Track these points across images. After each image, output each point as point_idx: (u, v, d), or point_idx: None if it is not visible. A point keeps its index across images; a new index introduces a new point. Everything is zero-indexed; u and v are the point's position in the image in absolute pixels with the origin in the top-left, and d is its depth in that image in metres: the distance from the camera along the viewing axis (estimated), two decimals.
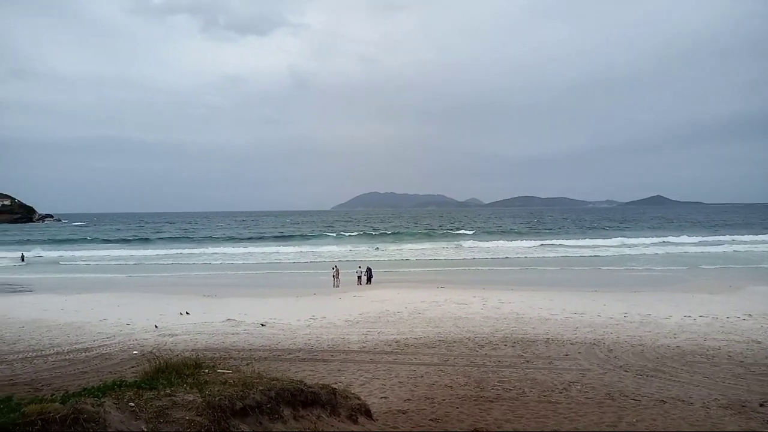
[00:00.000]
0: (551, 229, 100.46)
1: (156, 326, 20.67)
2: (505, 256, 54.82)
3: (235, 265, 50.17)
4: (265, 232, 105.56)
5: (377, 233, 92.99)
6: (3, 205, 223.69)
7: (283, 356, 15.89)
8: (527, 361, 14.84)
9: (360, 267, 36.33)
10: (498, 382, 12.91)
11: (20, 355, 16.51)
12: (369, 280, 34.58)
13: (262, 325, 20.48)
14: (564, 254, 55.18)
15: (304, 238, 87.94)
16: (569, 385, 12.53)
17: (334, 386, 9.22)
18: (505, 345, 16.81)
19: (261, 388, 7.64)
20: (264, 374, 9.32)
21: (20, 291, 33.48)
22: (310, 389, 8.35)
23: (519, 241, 70.39)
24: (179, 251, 64.98)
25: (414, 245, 66.86)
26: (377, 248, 64.63)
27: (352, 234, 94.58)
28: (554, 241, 68.38)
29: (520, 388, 12.36)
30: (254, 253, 60.75)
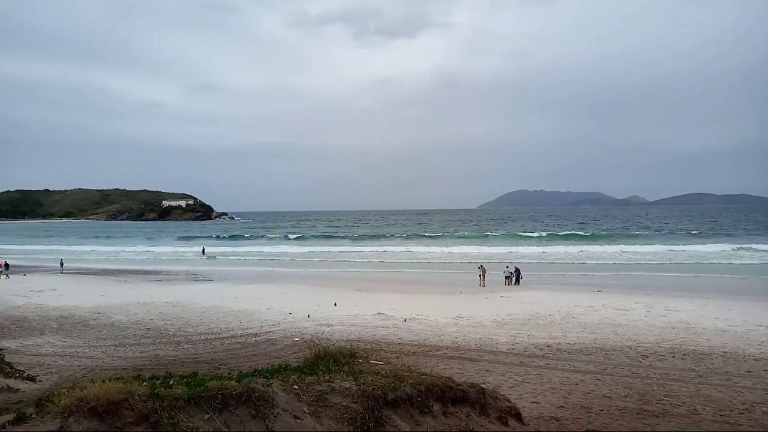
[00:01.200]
0: (733, 231, 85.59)
1: (308, 315, 22.27)
2: (671, 261, 49.57)
3: (385, 262, 51.97)
4: (414, 231, 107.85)
5: (524, 233, 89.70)
6: (188, 204, 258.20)
7: (430, 352, 16.09)
8: (699, 376, 13.29)
9: (507, 267, 35.47)
10: (664, 396, 11.74)
11: (202, 337, 18.78)
12: (517, 280, 33.63)
13: (405, 320, 20.98)
14: (750, 261, 47.96)
15: (447, 237, 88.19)
16: (752, 406, 10.97)
17: (483, 386, 9.09)
18: (673, 356, 15.23)
19: (411, 381, 7.80)
20: (413, 368, 9.52)
21: (202, 280, 38.18)
22: (459, 387, 8.33)
23: (694, 244, 61.42)
24: (334, 248, 69.19)
25: (565, 246, 63.36)
26: (522, 248, 62.54)
27: (496, 233, 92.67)
28: (736, 246, 58.68)
29: (690, 405, 11.11)
30: (403, 252, 62.46)
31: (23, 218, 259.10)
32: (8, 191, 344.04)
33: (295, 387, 6.72)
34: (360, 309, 23.46)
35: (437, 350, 16.34)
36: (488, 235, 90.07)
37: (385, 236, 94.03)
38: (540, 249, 61.07)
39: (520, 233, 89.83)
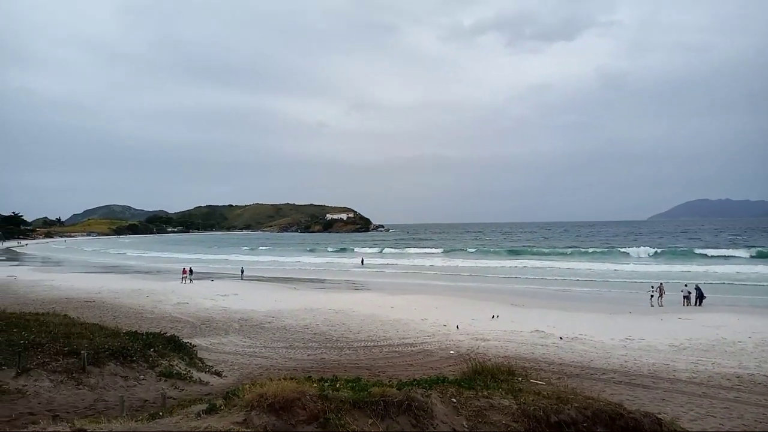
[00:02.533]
0: None
1: (457, 327, 22.30)
2: None
3: (541, 278, 49.81)
4: (570, 244, 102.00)
5: (700, 249, 79.39)
6: (348, 217, 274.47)
7: (595, 375, 14.99)
8: None
9: (686, 285, 31.79)
10: None
11: (362, 344, 19.64)
12: (699, 301, 29.94)
13: (565, 339, 19.84)
14: None
15: (610, 252, 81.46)
16: None
17: (659, 416, 8.22)
18: None
19: (576, 404, 7.33)
20: (578, 391, 8.95)
21: (361, 289, 40.07)
22: (631, 415, 7.62)
23: None
24: (485, 262, 68.15)
25: (758, 265, 54.91)
26: (705, 267, 55.45)
27: (668, 248, 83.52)
28: None
29: None
30: (560, 267, 59.32)
31: (211, 230, 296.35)
32: (200, 206, 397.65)
33: (453, 400, 6.70)
34: (516, 325, 22.73)
35: (603, 374, 15.17)
36: (661, 251, 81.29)
37: (537, 250, 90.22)
38: (729, 268, 53.60)
39: (696, 249, 79.91)
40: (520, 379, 8.58)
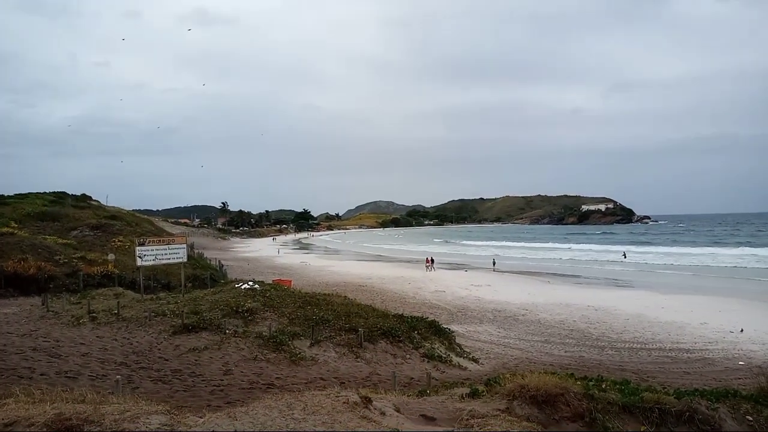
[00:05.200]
0: None
1: (741, 330, 19.52)
2: None
3: None
4: None
5: None
6: (607, 208, 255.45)
7: None
8: None
9: None
10: None
11: (626, 345, 18.09)
12: None
13: None
14: None
15: None
16: None
17: None
18: None
19: None
20: None
21: (623, 286, 36.78)
22: None
23: None
24: None
25: None
26: None
27: None
28: None
29: None
30: None
31: (464, 222, 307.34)
32: (452, 200, 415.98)
33: (749, 418, 5.71)
34: None
35: None
36: None
37: None
38: None
39: None
40: None
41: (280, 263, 55.82)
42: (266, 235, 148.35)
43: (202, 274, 29.81)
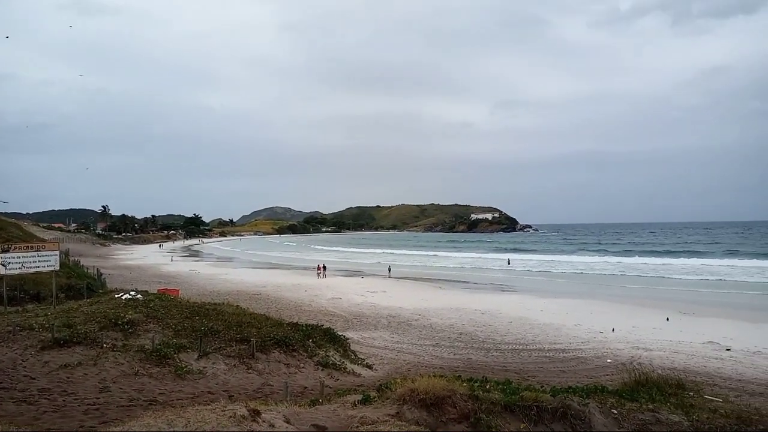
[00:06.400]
0: None
1: (613, 330, 21.45)
2: None
3: (714, 281, 44.39)
4: (736, 248, 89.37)
5: None
6: (493, 217, 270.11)
7: None
8: None
9: None
10: None
11: (510, 347, 19.18)
12: None
13: (727, 349, 17.75)
14: None
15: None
16: None
17: None
18: None
19: (762, 427, 6.45)
20: (763, 412, 7.83)
21: (507, 290, 39.07)
22: None
23: None
24: (650, 260, 62.59)
25: None
26: None
27: None
28: None
29: None
30: (738, 269, 52.34)
31: (361, 230, 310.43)
32: (350, 207, 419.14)
33: (614, 411, 6.26)
34: (685, 335, 20.61)
35: None
36: None
37: (703, 251, 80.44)
38: None
39: None
40: (691, 394, 7.73)
41: (167, 271, 52.72)
42: (152, 242, 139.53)
43: (78, 284, 27.32)
